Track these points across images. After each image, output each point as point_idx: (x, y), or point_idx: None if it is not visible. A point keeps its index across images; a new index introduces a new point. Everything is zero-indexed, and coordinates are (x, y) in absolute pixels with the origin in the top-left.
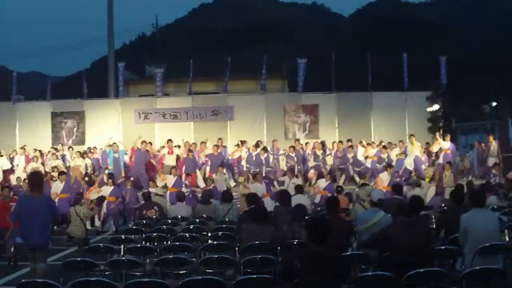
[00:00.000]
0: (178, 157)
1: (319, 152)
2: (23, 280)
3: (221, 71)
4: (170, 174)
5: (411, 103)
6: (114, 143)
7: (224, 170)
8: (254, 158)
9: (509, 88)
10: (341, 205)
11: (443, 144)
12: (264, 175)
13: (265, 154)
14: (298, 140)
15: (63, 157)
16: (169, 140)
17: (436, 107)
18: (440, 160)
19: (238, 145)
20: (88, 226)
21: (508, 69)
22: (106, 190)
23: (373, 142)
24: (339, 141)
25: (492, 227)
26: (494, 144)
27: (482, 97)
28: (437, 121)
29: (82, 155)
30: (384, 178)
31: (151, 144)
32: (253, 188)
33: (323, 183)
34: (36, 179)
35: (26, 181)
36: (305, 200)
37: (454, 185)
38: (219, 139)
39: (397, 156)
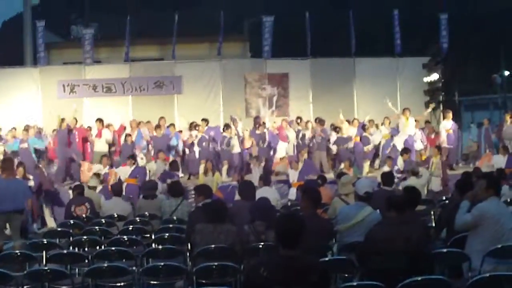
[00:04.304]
0: (112, 141)
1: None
2: None
3: (167, 32)
4: (101, 163)
5: (404, 72)
6: (27, 125)
7: (171, 158)
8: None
9: None
10: (323, 200)
11: (444, 124)
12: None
13: (229, 135)
14: (235, 120)
15: None
16: (98, 120)
17: (435, 76)
18: (445, 144)
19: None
20: None
21: None
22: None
23: (355, 119)
24: (318, 120)
25: (510, 224)
26: (510, 125)
27: (491, 64)
28: (436, 94)
29: None
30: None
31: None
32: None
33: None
34: (9, 164)
35: None
36: (272, 194)
37: (441, 175)
38: (161, 118)
39: (384, 138)
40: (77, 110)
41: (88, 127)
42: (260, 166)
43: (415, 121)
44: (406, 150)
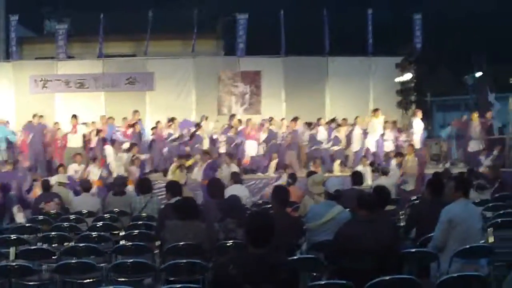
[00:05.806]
0: (85, 138)
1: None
2: None
3: (141, 28)
4: (75, 162)
5: (376, 71)
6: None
7: (144, 155)
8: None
9: (495, 54)
10: (293, 198)
11: (416, 125)
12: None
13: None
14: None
15: None
16: (74, 116)
17: (408, 76)
18: (417, 144)
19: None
20: None
21: (496, 30)
22: None
23: (334, 119)
24: (294, 118)
25: (478, 225)
26: (475, 123)
27: (464, 65)
28: (408, 94)
29: None
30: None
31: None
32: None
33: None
34: None
35: None
36: (242, 191)
37: (416, 173)
38: (136, 111)
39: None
40: (48, 105)
41: (56, 123)
42: (232, 165)
43: (385, 122)
44: (400, 154)
